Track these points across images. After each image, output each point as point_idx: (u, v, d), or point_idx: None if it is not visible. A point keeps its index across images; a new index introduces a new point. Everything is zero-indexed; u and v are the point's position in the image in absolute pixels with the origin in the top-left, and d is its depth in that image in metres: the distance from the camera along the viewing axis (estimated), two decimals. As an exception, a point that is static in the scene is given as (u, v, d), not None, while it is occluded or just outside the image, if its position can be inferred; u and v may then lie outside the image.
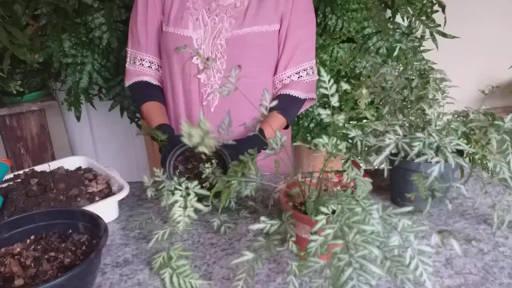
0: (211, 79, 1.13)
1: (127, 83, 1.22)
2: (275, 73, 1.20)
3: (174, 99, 1.20)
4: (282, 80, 1.19)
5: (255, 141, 1.03)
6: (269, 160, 0.81)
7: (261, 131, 1.08)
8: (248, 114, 1.14)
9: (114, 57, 1.62)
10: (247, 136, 1.08)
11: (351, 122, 1.49)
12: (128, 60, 1.22)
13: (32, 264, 0.70)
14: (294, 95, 1.17)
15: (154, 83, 1.22)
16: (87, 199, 0.93)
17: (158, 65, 1.21)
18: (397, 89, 0.99)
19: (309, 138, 1.64)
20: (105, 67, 1.63)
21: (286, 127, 1.23)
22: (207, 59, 0.79)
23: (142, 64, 1.19)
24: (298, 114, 1.27)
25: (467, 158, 0.86)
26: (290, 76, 1.18)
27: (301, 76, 1.18)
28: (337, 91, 0.69)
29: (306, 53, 1.18)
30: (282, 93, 1.18)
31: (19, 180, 1.00)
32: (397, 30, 1.58)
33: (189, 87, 1.15)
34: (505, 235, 0.83)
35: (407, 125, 0.90)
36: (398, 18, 1.61)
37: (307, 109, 1.60)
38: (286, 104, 1.17)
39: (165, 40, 1.14)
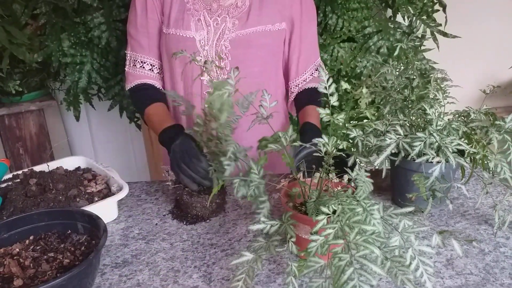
0: (214, 81, 1.12)
1: (128, 85, 1.19)
2: (288, 77, 1.22)
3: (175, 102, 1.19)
4: (298, 85, 1.21)
5: (315, 133, 1.05)
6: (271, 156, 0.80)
7: (311, 125, 1.08)
8: (252, 116, 1.14)
9: (113, 57, 1.61)
10: (304, 132, 1.08)
11: (351, 122, 1.49)
12: (127, 63, 1.19)
13: (31, 264, 0.70)
14: (317, 87, 1.18)
15: (157, 86, 1.19)
16: (86, 199, 0.93)
17: (159, 68, 1.19)
18: (398, 89, 0.99)
19: (309, 138, 1.64)
20: (104, 67, 1.62)
21: None
22: (205, 62, 0.78)
23: (143, 67, 1.17)
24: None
25: (468, 158, 0.86)
26: (306, 79, 1.20)
27: (313, 75, 1.21)
28: (337, 90, 0.69)
29: (315, 51, 1.21)
30: (306, 87, 1.20)
31: (18, 180, 1.00)
32: (398, 30, 1.57)
33: (190, 89, 1.13)
34: (506, 235, 0.83)
35: (408, 125, 0.90)
36: (399, 18, 1.61)
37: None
38: (315, 97, 1.18)
39: (166, 42, 1.12)
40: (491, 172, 0.83)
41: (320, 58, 1.23)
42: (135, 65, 1.18)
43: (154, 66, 1.18)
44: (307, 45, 1.17)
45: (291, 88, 1.22)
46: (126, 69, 1.20)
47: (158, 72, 1.19)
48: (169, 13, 1.11)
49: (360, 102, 0.89)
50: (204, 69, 1.11)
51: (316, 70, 1.21)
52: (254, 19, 1.10)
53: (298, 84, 1.20)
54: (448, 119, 0.89)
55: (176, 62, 1.12)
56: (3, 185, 0.98)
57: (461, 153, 0.87)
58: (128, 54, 1.19)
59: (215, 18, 1.09)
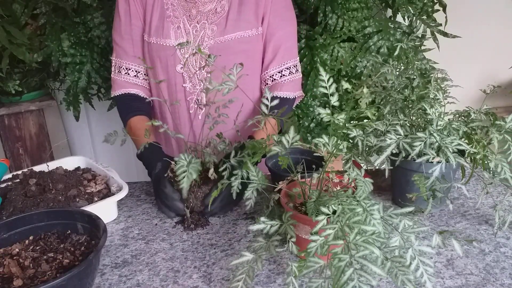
0: (197, 87, 1.12)
1: (114, 93, 1.19)
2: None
3: (161, 108, 1.19)
4: (266, 80, 1.18)
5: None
6: None
7: (252, 138, 1.06)
8: (235, 120, 1.14)
9: (113, 57, 1.61)
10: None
11: (352, 122, 1.49)
12: (113, 69, 1.19)
13: (31, 264, 0.70)
14: (283, 96, 1.15)
15: (142, 96, 1.18)
16: (86, 200, 0.93)
17: (145, 74, 1.19)
18: (398, 89, 0.99)
19: (309, 138, 1.64)
20: (104, 67, 1.62)
21: (280, 131, 1.21)
22: (209, 56, 0.79)
23: (128, 74, 1.16)
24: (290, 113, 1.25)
25: (469, 158, 0.86)
26: (273, 75, 1.16)
27: (283, 75, 1.16)
28: (337, 90, 0.69)
29: (288, 51, 1.16)
30: (275, 95, 1.15)
31: (18, 180, 0.99)
32: (398, 30, 1.57)
33: (175, 95, 1.14)
34: (507, 235, 0.83)
35: (408, 125, 0.89)
36: (399, 18, 1.60)
37: (307, 108, 1.60)
38: (275, 106, 1.15)
39: (148, 50, 1.13)
40: (491, 172, 0.83)
41: (297, 60, 1.19)
42: (120, 72, 1.17)
43: (139, 72, 1.17)
44: (274, 44, 1.14)
45: (260, 83, 1.20)
46: (111, 75, 1.20)
47: (144, 78, 1.19)
48: (150, 21, 1.11)
49: (361, 102, 0.89)
50: (186, 77, 1.12)
51: (290, 72, 1.16)
52: (232, 24, 1.09)
53: (266, 80, 1.18)
54: (449, 119, 0.89)
55: (159, 70, 1.13)
56: (3, 185, 0.98)
57: (461, 153, 0.87)
58: (113, 61, 1.18)
59: (194, 25, 1.09)
